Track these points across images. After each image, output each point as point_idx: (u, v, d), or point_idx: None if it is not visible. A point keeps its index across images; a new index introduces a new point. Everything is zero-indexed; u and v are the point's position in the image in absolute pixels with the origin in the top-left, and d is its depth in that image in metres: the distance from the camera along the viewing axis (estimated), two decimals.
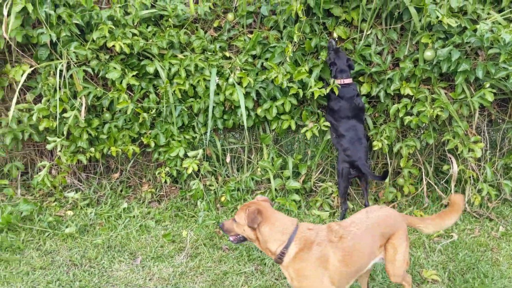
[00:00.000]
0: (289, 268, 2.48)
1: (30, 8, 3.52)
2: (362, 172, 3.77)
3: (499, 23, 3.57)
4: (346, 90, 3.81)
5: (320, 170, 4.31)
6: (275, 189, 4.14)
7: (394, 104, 3.96)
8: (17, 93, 3.73)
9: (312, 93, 3.81)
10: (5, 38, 3.66)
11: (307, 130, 4.01)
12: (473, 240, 3.72)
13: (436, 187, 4.19)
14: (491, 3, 3.74)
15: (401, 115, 3.87)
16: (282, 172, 4.19)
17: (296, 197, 4.11)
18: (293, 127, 4.06)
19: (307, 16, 3.86)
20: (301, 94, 3.90)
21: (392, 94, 3.96)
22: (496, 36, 3.45)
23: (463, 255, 3.51)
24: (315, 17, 3.93)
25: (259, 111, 4.06)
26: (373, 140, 4.00)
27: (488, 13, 3.71)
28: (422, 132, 4.17)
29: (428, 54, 3.73)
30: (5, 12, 3.51)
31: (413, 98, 3.89)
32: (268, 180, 4.26)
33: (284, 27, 3.99)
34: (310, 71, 3.91)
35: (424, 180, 4.18)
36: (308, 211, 4.10)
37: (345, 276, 2.49)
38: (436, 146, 4.23)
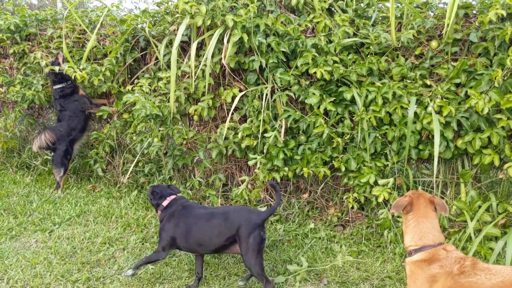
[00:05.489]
0: (408, 266, 2.63)
1: (245, 38, 3.93)
2: None
3: None
4: None
5: None
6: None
7: None
8: (230, 114, 4.17)
9: None
10: (222, 64, 4.14)
11: (510, 166, 3.60)
12: None
13: None
14: None
15: None
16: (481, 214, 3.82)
17: (494, 245, 3.66)
18: (497, 162, 3.67)
19: None
20: (511, 125, 3.53)
21: None
22: None
23: None
24: None
25: (459, 142, 3.80)
26: None
27: None
28: None
29: None
30: (225, 41, 3.98)
31: None
32: (463, 220, 3.93)
33: (495, 54, 3.69)
34: None
35: None
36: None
37: None
38: None
